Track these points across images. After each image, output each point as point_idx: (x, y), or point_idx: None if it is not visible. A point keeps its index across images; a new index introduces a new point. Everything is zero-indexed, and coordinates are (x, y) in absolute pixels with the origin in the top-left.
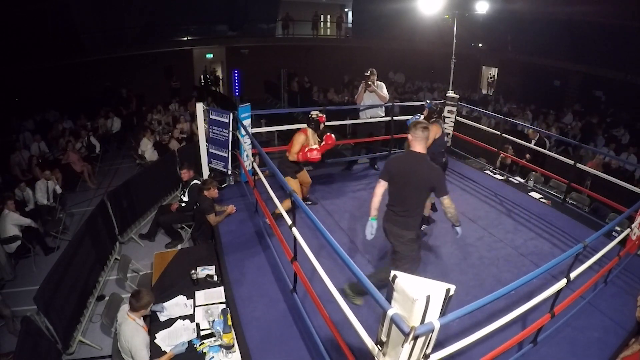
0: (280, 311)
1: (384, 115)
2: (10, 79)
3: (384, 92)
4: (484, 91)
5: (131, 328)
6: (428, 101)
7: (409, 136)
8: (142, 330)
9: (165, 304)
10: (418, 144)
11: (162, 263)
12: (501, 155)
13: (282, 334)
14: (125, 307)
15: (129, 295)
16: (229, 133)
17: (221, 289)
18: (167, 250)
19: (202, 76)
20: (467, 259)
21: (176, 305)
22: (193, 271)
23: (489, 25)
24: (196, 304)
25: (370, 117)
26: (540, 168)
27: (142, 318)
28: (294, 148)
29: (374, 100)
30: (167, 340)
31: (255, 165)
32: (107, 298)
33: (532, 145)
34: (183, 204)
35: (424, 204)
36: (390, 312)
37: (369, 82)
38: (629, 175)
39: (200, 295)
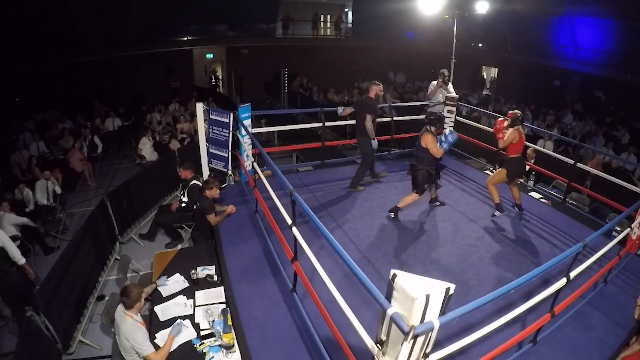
0: (280, 311)
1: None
2: (10, 79)
3: (452, 91)
4: (483, 91)
5: (130, 325)
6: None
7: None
8: (141, 325)
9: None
10: (370, 92)
11: (162, 263)
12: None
13: (282, 334)
14: (120, 308)
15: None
16: (229, 133)
17: (221, 289)
18: (167, 250)
19: (212, 76)
20: (467, 259)
21: (176, 305)
22: (193, 271)
23: (489, 25)
24: (196, 304)
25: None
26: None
27: (139, 314)
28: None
29: (442, 97)
30: (166, 338)
31: (255, 165)
32: (107, 298)
33: (532, 145)
34: (183, 204)
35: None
36: (389, 311)
37: (446, 81)
38: (628, 175)
39: (200, 295)
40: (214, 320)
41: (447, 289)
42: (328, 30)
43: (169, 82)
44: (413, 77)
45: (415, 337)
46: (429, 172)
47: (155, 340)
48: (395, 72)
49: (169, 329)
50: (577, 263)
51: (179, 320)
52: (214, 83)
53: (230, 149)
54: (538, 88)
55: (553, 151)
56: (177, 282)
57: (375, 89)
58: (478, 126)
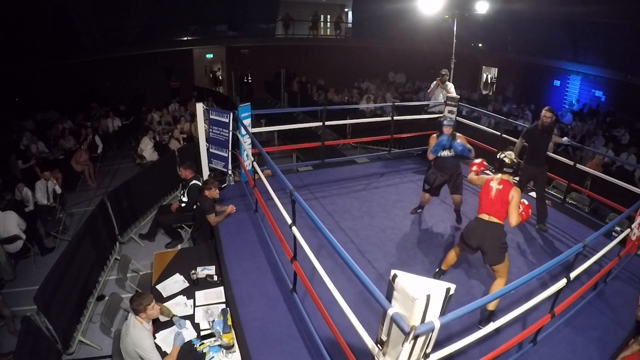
0: (280, 311)
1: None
2: (10, 79)
3: (453, 91)
4: (484, 91)
5: (139, 331)
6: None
7: None
8: (150, 333)
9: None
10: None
11: (162, 263)
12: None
13: (282, 334)
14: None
15: (129, 296)
16: (229, 133)
17: (221, 289)
18: (167, 250)
19: (245, 77)
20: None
21: (176, 305)
22: (193, 271)
23: (489, 25)
24: (196, 304)
25: (438, 112)
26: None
27: (150, 322)
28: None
29: (443, 97)
30: (167, 339)
31: (255, 165)
32: (107, 298)
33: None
34: (183, 204)
35: None
36: (390, 312)
37: (444, 80)
38: (628, 176)
39: (200, 295)
40: (214, 320)
41: (448, 289)
42: (328, 30)
43: (169, 82)
44: (413, 77)
45: (416, 338)
46: (433, 172)
47: (155, 341)
48: (395, 72)
49: (169, 330)
50: (577, 263)
51: (178, 331)
52: (250, 81)
53: (230, 148)
54: (538, 88)
55: (552, 152)
56: (177, 282)
57: (542, 115)
58: (478, 126)
